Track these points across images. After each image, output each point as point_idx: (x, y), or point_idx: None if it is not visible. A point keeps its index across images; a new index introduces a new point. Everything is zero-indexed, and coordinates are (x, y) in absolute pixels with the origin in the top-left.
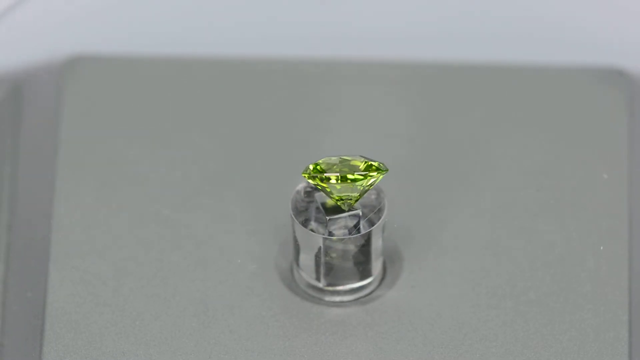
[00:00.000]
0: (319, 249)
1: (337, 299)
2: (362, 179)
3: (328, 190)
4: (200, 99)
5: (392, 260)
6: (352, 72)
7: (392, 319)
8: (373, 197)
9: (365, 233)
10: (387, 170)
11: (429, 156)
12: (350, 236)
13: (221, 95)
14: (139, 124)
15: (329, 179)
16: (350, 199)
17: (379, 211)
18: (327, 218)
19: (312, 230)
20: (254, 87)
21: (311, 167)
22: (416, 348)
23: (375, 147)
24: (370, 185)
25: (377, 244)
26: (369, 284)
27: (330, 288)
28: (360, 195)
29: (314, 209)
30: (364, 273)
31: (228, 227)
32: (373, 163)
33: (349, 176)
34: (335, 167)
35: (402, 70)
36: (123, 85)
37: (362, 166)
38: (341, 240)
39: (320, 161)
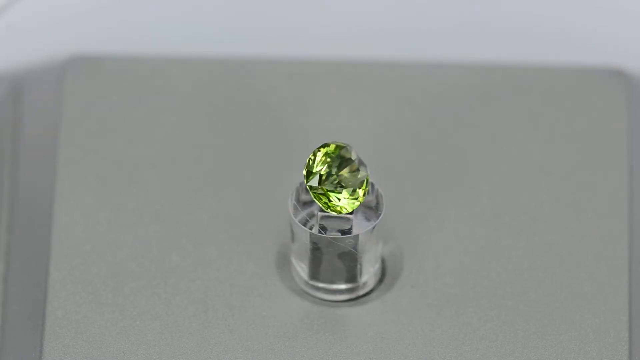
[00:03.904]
0: (307, 243)
1: (326, 297)
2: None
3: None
4: (200, 98)
5: (392, 260)
6: (352, 72)
7: (392, 319)
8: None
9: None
10: (350, 213)
11: (429, 156)
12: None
13: (221, 95)
14: (138, 124)
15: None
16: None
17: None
18: (319, 213)
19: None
20: (254, 87)
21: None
22: (416, 348)
23: (375, 147)
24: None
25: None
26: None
27: (313, 282)
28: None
29: (317, 207)
30: (350, 277)
31: (228, 227)
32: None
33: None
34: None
35: (402, 70)
36: (123, 85)
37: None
38: (326, 238)
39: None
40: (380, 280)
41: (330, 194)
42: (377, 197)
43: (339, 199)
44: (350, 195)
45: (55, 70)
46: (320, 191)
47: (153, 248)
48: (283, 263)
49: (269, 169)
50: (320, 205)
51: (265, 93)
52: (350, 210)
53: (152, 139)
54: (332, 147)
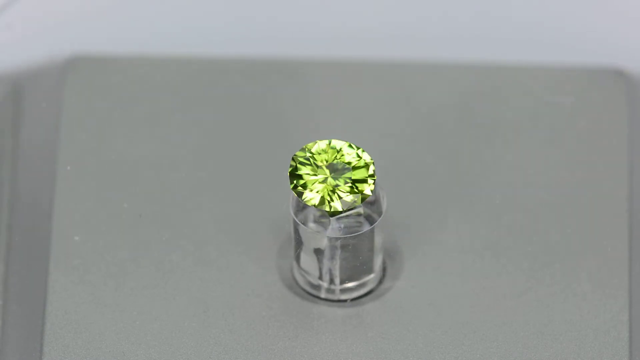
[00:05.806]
0: (332, 248)
1: (345, 296)
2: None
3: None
4: (200, 98)
5: (392, 260)
6: (352, 72)
7: (392, 319)
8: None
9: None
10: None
11: (429, 156)
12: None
13: (221, 95)
14: (138, 124)
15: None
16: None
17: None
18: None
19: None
20: (254, 87)
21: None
22: (416, 348)
23: (375, 147)
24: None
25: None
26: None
27: (296, 264)
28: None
29: (312, 208)
30: (367, 270)
31: (228, 227)
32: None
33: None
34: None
35: (402, 70)
36: (123, 85)
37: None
38: (345, 237)
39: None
40: (380, 280)
41: (308, 177)
42: (379, 202)
43: (311, 187)
44: (326, 192)
45: (56, 70)
46: (298, 169)
47: (153, 248)
48: (283, 263)
49: (269, 168)
50: (289, 179)
51: (265, 93)
52: (316, 205)
53: (152, 139)
54: (340, 145)
